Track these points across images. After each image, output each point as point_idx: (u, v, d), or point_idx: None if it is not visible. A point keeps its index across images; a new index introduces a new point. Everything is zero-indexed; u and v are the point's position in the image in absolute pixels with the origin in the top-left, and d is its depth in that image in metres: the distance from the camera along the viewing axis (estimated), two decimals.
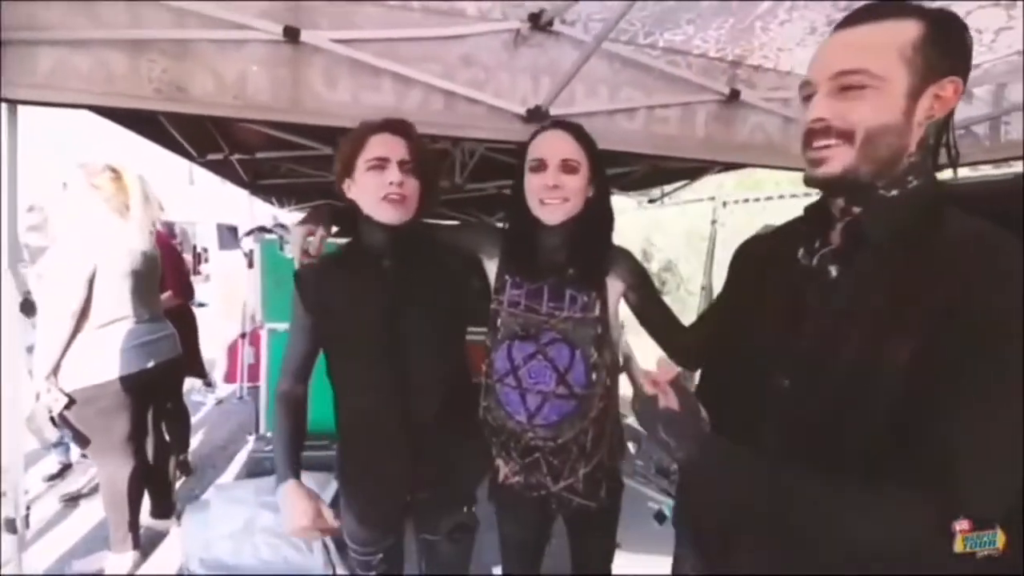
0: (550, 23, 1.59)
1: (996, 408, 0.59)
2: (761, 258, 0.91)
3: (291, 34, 1.40)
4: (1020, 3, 1.43)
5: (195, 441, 3.37)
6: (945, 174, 0.77)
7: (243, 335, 4.48)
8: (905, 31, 0.66)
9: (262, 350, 2.59)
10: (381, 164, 1.13)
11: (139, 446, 2.20)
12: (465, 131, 1.65)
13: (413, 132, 1.20)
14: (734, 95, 1.88)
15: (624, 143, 1.82)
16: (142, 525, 2.23)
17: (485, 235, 1.30)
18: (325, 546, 1.97)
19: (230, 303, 4.88)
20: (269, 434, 2.40)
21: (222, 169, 3.35)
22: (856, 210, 0.74)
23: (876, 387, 0.66)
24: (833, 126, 0.68)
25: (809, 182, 0.75)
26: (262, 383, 2.61)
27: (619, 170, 3.57)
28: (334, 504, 2.13)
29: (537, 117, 1.63)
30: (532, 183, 1.15)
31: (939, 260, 0.66)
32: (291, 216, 5.74)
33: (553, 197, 1.12)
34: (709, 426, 0.73)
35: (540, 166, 1.14)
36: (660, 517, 2.17)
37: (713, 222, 3.57)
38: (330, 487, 2.16)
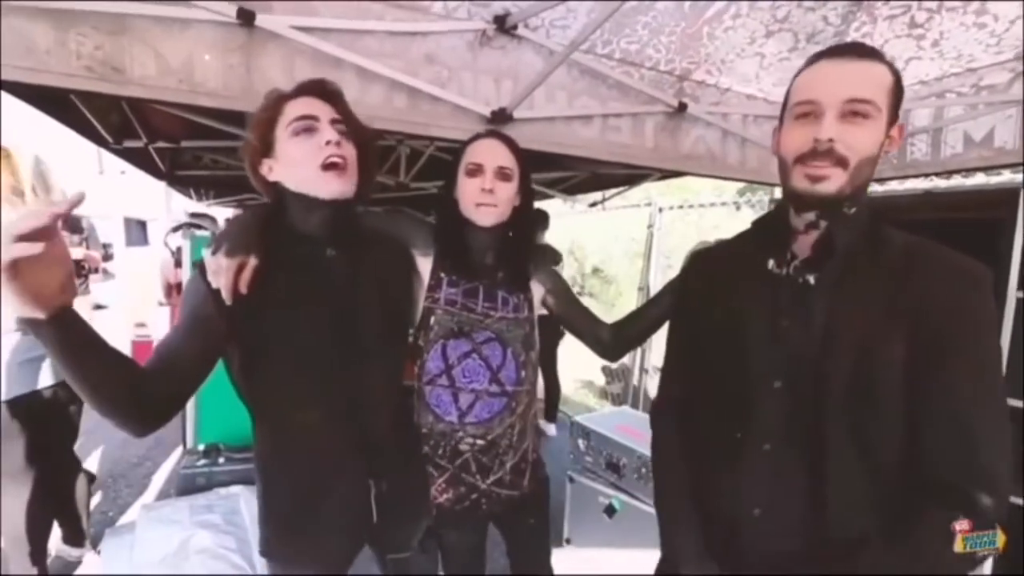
0: (515, 26, 1.60)
1: (989, 388, 0.71)
2: (725, 269, 0.97)
3: (245, 17, 1.31)
4: (928, 35, 1.64)
5: (105, 458, 3.04)
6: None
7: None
8: (887, 75, 0.76)
9: None
10: (310, 125, 0.94)
11: (40, 473, 1.94)
12: (428, 130, 1.62)
13: (339, 94, 1.02)
14: (681, 107, 1.99)
15: (582, 149, 1.87)
16: (51, 554, 1.98)
17: (417, 229, 1.28)
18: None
19: (139, 305, 4.46)
20: (201, 447, 2.22)
21: (138, 158, 3.05)
22: (823, 223, 0.82)
23: (882, 379, 0.74)
24: (836, 149, 0.75)
25: (805, 198, 0.80)
26: None
27: (559, 175, 3.67)
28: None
29: (501, 119, 1.64)
30: (468, 186, 1.18)
31: (898, 267, 0.77)
32: (210, 211, 5.33)
33: (487, 201, 1.17)
34: None
35: (478, 170, 1.18)
36: (610, 511, 2.24)
37: (650, 227, 3.75)
38: None
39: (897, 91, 0.77)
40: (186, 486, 2.07)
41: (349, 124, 1.00)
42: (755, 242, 0.93)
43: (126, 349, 3.64)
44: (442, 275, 1.21)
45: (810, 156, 0.77)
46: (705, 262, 1.04)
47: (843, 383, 0.76)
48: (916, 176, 2.05)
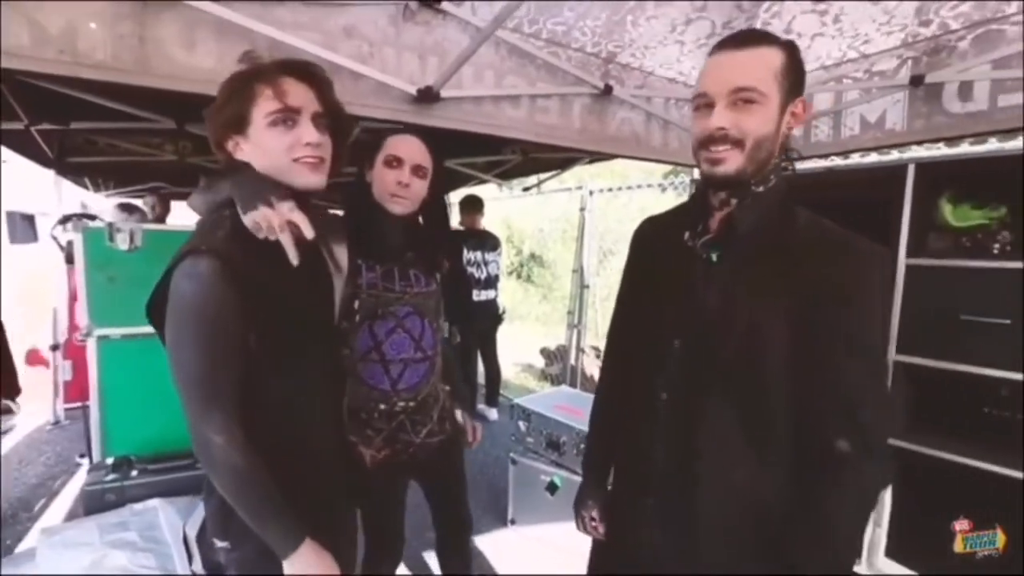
0: (439, 0, 1.55)
1: (869, 361, 0.80)
2: (652, 239, 1.06)
3: None
4: (831, 10, 1.73)
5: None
6: None
7: (54, 347, 3.71)
8: (775, 57, 0.81)
9: (91, 362, 2.16)
10: (290, 117, 0.89)
11: None
12: (350, 108, 1.52)
13: (322, 76, 0.95)
14: (607, 89, 2.01)
15: (510, 130, 1.86)
16: None
17: (330, 222, 1.31)
18: None
19: (30, 308, 3.99)
20: (109, 461, 2.03)
21: (19, 142, 2.70)
22: (733, 202, 0.87)
23: (763, 354, 0.82)
24: (729, 134, 0.81)
25: (708, 180, 0.87)
26: (93, 402, 2.19)
27: (493, 159, 3.64)
28: (201, 535, 1.88)
29: (428, 98, 1.59)
30: (387, 176, 1.27)
31: (797, 250, 0.84)
32: (110, 201, 4.85)
33: (402, 193, 1.26)
34: None
35: (397, 163, 1.27)
36: (552, 488, 2.29)
37: (581, 209, 3.81)
38: (196, 512, 1.90)
39: (791, 69, 0.81)
40: (94, 504, 1.89)
41: (331, 115, 0.95)
42: (683, 215, 0.99)
43: (18, 358, 3.26)
44: (359, 262, 1.29)
45: (709, 142, 0.83)
46: (642, 232, 1.11)
47: (728, 354, 0.84)
48: (820, 156, 2.21)
